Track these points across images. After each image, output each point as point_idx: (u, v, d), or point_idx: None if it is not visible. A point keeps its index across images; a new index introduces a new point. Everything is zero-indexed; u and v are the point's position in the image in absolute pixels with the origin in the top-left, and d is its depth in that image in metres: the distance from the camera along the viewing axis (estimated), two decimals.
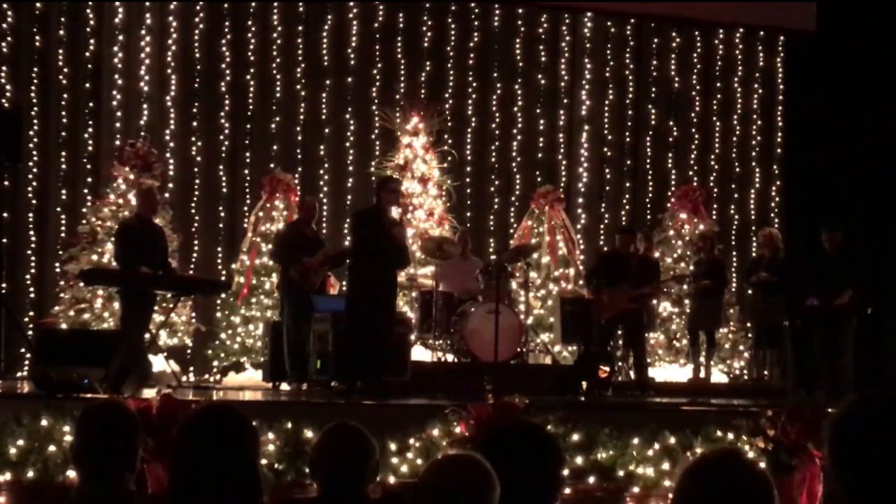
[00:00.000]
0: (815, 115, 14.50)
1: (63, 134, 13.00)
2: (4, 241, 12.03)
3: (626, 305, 10.80)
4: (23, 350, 11.33)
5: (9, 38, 12.82)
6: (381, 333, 9.11)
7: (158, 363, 10.79)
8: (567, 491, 6.90)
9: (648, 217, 14.82)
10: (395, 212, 10.51)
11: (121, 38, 13.19)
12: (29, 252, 12.71)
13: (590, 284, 11.34)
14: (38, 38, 12.97)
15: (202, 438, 3.01)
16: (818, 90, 14.44)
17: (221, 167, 13.58)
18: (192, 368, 12.57)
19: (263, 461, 6.65)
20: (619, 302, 10.78)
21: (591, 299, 11.72)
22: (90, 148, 13.07)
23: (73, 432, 4.98)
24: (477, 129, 14.55)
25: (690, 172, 15.19)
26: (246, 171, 13.65)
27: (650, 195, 15.09)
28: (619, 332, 11.22)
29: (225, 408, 3.14)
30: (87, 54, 13.12)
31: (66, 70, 13.03)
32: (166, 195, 12.57)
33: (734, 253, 15.05)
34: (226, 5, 13.61)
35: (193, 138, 13.47)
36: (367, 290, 9.20)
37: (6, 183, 11.98)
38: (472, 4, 14.53)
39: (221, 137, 13.59)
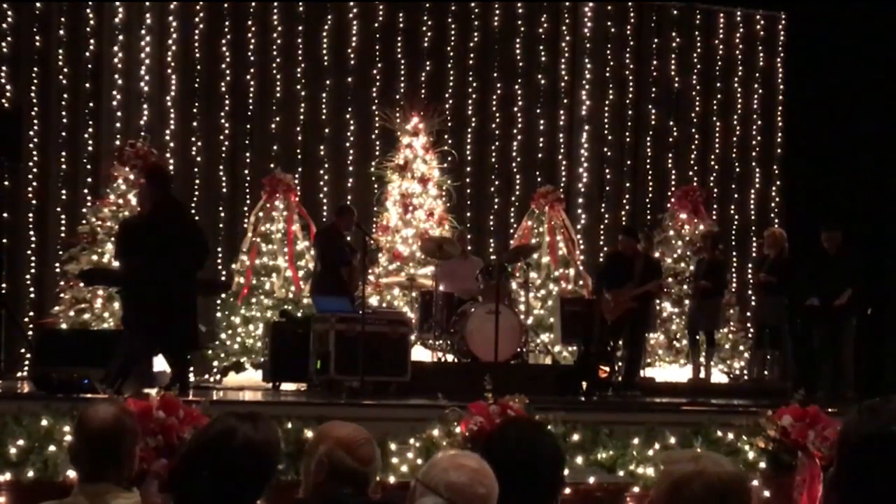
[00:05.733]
0: (815, 116, 14.50)
1: (63, 134, 12.99)
2: (4, 241, 12.01)
3: (629, 305, 10.82)
4: (23, 350, 11.34)
5: (9, 38, 12.81)
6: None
7: (158, 363, 10.78)
8: (567, 491, 6.89)
9: (648, 217, 14.83)
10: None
11: (121, 38, 13.17)
12: (29, 252, 12.70)
13: (600, 288, 11.33)
14: (38, 38, 12.96)
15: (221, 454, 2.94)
16: (818, 90, 14.43)
17: (221, 167, 13.58)
18: (192, 368, 12.55)
19: None
20: (624, 302, 10.80)
21: (593, 299, 11.74)
22: (90, 148, 13.06)
23: (73, 432, 4.98)
24: (477, 129, 14.55)
25: (690, 172, 15.20)
26: (246, 171, 13.66)
27: (650, 195, 15.11)
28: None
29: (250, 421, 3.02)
30: (87, 54, 13.12)
31: (66, 70, 13.02)
32: None
33: (734, 253, 15.05)
34: (226, 5, 13.61)
35: (193, 138, 13.47)
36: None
37: (6, 183, 11.97)
38: (472, 4, 14.54)
39: (221, 137, 13.60)
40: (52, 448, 6.43)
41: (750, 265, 14.71)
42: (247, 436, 2.92)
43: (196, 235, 8.84)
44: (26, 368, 10.97)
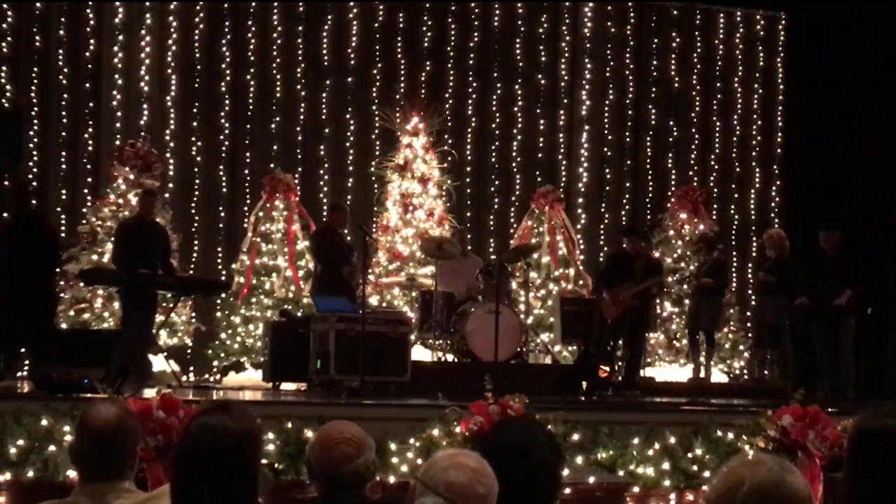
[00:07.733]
0: (815, 116, 14.50)
1: (63, 134, 13.00)
2: None
3: (629, 304, 10.82)
4: (23, 350, 11.32)
5: (9, 38, 12.82)
6: None
7: (158, 363, 10.79)
8: (567, 491, 6.89)
9: (648, 217, 14.83)
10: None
11: (121, 38, 13.18)
12: None
13: (600, 288, 11.35)
14: (38, 38, 12.97)
15: (202, 445, 2.93)
16: (818, 90, 14.43)
17: (221, 167, 13.59)
18: (192, 368, 12.57)
19: (263, 461, 6.64)
20: (622, 300, 10.80)
21: (593, 299, 11.75)
22: (90, 148, 13.07)
23: (73, 432, 4.98)
24: (477, 129, 14.55)
25: (690, 172, 15.20)
26: (246, 171, 13.66)
27: (650, 195, 15.11)
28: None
29: (226, 410, 3.03)
30: (87, 54, 13.12)
31: (66, 70, 13.03)
32: (166, 195, 12.58)
33: (734, 253, 15.06)
34: (226, 5, 13.62)
35: (193, 138, 13.48)
36: None
37: (6, 183, 11.97)
38: (472, 4, 14.54)
39: (221, 137, 13.60)
40: (52, 448, 6.43)
41: (750, 265, 14.74)
42: (228, 429, 2.91)
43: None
44: (26, 368, 10.96)
